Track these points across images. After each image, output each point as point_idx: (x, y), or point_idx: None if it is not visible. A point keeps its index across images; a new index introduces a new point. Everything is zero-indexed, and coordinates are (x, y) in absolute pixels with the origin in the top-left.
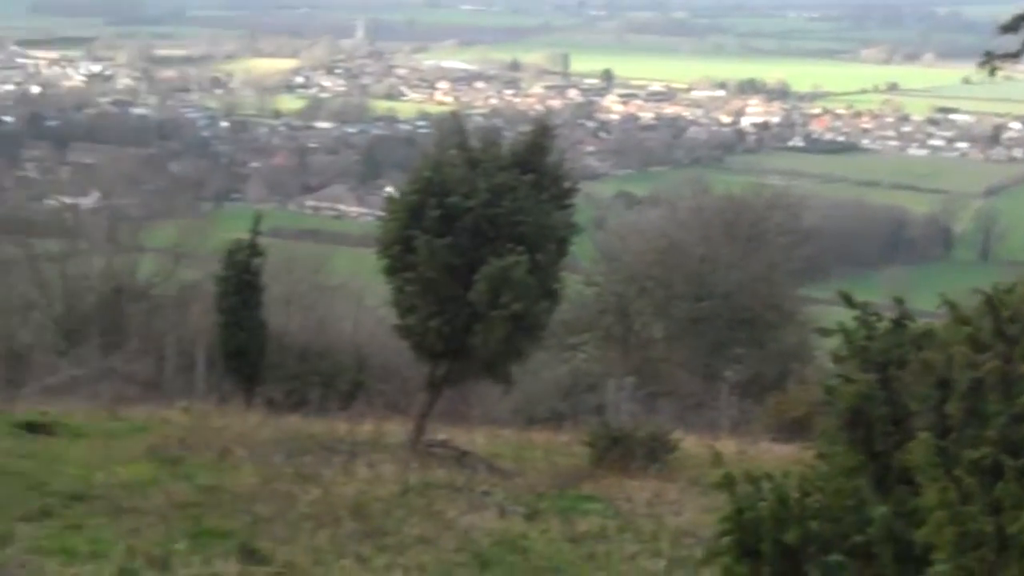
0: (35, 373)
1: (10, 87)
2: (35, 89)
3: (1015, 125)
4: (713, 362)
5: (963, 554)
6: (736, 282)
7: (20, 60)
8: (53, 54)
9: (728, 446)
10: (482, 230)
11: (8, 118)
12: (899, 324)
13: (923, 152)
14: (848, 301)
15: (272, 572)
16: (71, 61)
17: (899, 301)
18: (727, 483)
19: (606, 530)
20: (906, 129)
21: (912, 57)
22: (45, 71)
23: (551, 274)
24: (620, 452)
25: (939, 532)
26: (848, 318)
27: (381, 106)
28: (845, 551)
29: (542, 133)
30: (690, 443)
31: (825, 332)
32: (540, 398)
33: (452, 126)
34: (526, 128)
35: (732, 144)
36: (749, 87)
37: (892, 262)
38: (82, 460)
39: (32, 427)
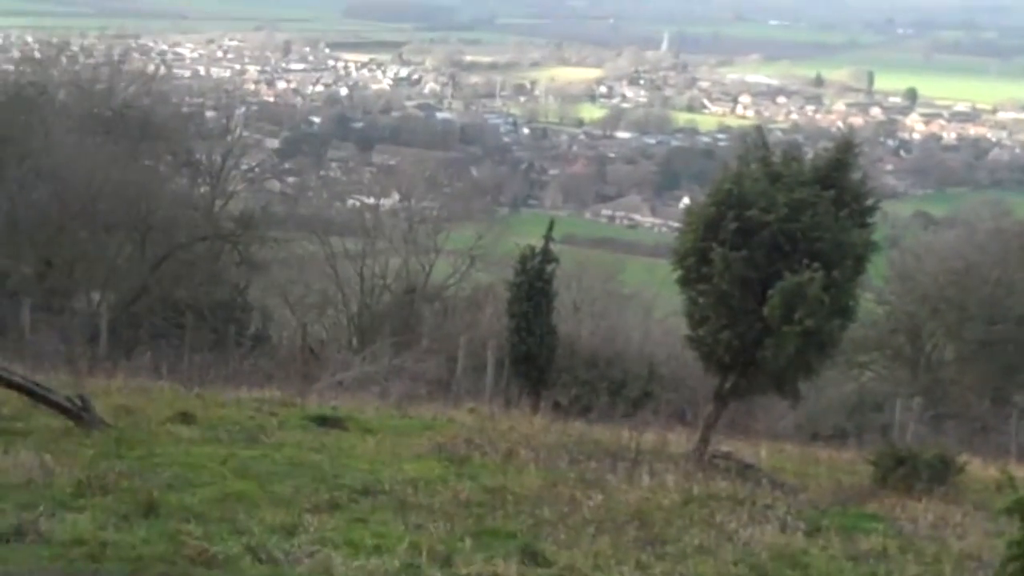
0: (329, 368)
1: (320, 88)
2: (343, 91)
3: None
4: (1004, 387)
5: None
6: None
7: (331, 62)
8: (363, 57)
9: (1017, 472)
10: (779, 245)
11: (316, 119)
12: None
13: None
14: None
15: (553, 574)
16: (380, 65)
17: None
18: (1018, 508)
19: (887, 550)
20: None
21: None
22: (354, 74)
23: (846, 291)
24: (905, 472)
25: None
26: None
27: (682, 118)
28: None
29: (845, 150)
30: (976, 467)
31: None
32: (825, 414)
33: (754, 140)
34: (828, 144)
35: None
36: None
37: None
38: (370, 455)
39: (323, 421)
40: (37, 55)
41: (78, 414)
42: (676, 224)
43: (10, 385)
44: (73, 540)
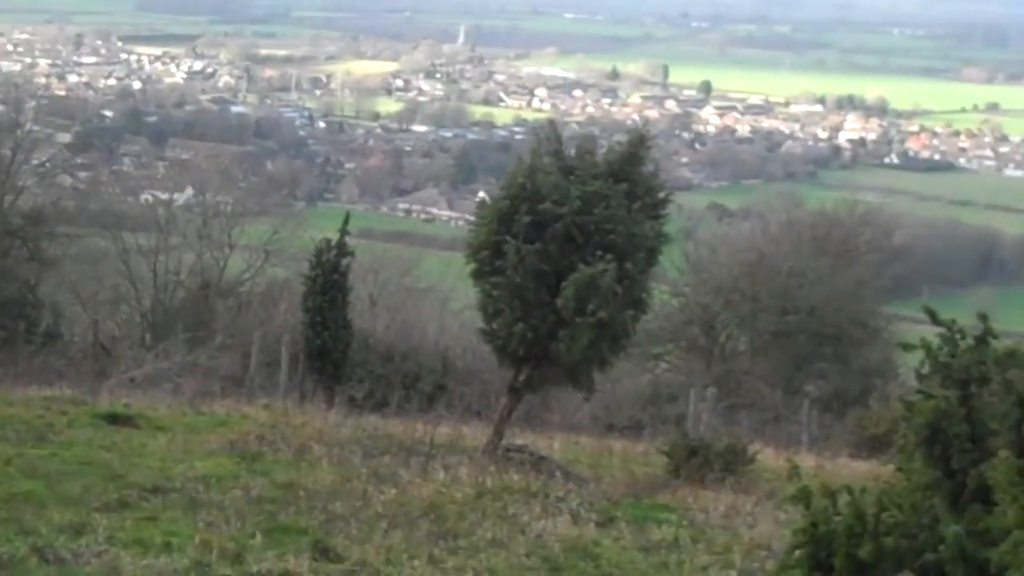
0: (121, 365)
1: (112, 82)
2: (136, 85)
3: None
4: (796, 376)
5: None
6: (823, 297)
7: (123, 56)
8: (156, 51)
9: (806, 461)
10: (572, 237)
11: (108, 113)
12: (983, 341)
13: (1020, 173)
14: (933, 318)
15: (345, 570)
16: (174, 58)
17: (984, 318)
18: (803, 496)
19: (679, 540)
20: (1004, 149)
21: (1015, 77)
22: (147, 67)
23: (639, 283)
24: (698, 463)
25: (1016, 552)
26: (933, 336)
27: (478, 111)
28: (918, 569)
29: (638, 143)
30: (768, 457)
31: (908, 347)
32: (620, 406)
33: (548, 133)
34: (622, 138)
35: (827, 159)
36: (848, 103)
37: (982, 282)
38: (162, 453)
39: (115, 419)
40: None
41: None
42: (472, 218)
43: None
44: None
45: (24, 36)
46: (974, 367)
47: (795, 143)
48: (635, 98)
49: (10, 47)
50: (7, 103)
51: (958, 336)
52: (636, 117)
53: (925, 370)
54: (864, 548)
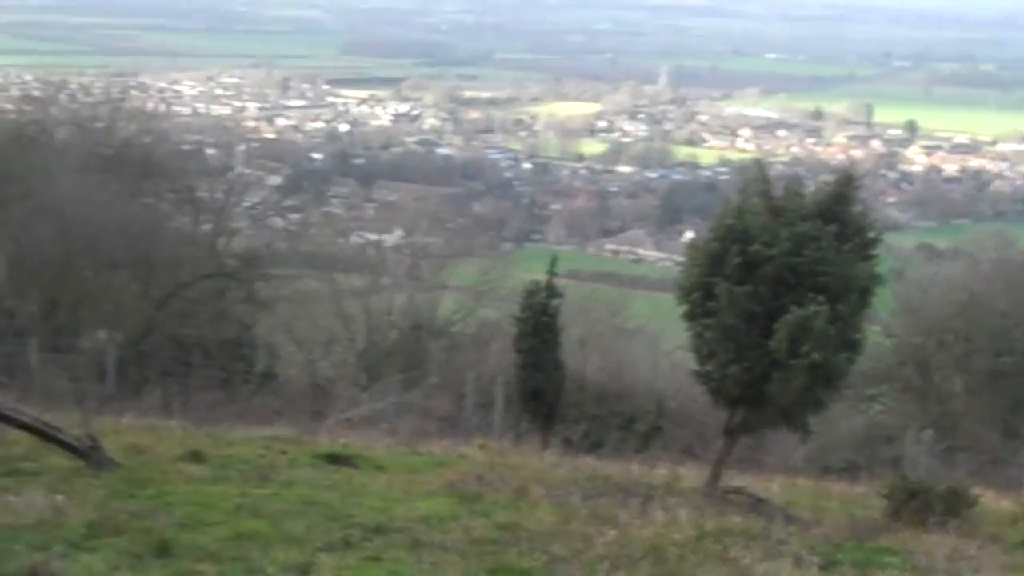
0: (337, 406)
1: (320, 125)
2: (343, 127)
3: None
4: (1013, 419)
5: None
6: None
7: (330, 99)
8: (362, 93)
9: None
10: (783, 279)
11: (317, 155)
12: None
13: None
14: None
15: None
16: (379, 101)
17: None
18: None
19: None
20: None
21: None
22: (354, 110)
23: (852, 325)
24: (918, 506)
25: None
26: None
27: (682, 152)
28: None
29: (846, 183)
30: (989, 499)
31: None
32: (836, 448)
33: (755, 174)
34: (829, 178)
35: None
36: None
37: None
38: (382, 493)
39: (334, 458)
40: (37, 94)
41: (88, 453)
42: (679, 258)
43: (20, 425)
44: None
45: (233, 80)
46: None
47: (1003, 182)
48: (839, 138)
49: (219, 91)
50: (219, 147)
51: None
52: (841, 157)
53: None
54: None
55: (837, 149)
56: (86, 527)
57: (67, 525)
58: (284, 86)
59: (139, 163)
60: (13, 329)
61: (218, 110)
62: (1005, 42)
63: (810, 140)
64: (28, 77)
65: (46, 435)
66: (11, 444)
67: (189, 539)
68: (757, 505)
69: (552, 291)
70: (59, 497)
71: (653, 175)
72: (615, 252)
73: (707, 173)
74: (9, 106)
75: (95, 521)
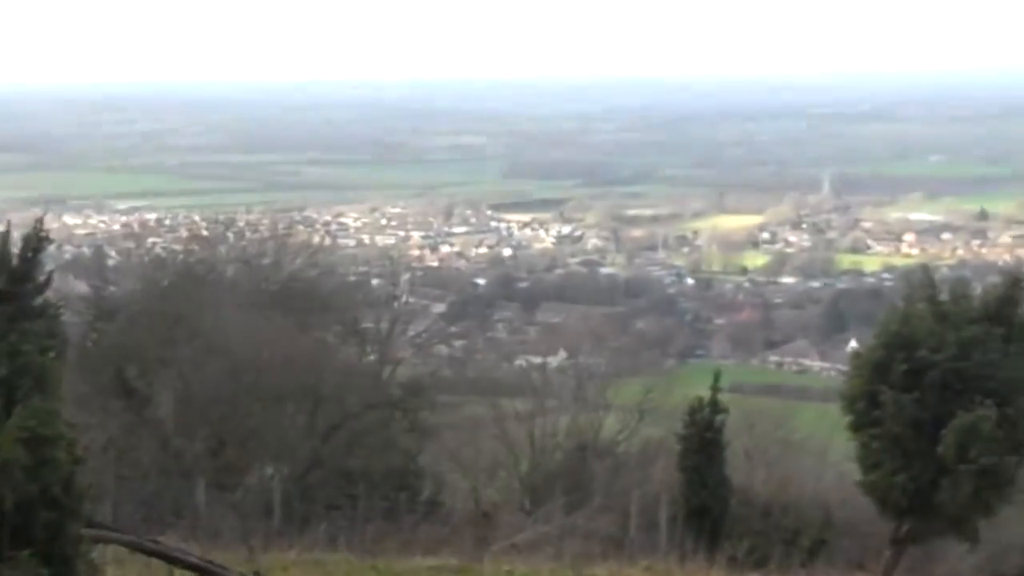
0: (502, 531)
1: (483, 250)
2: (507, 252)
3: None
4: None
5: None
6: None
7: (493, 223)
8: (525, 217)
9: None
10: (949, 384)
11: (481, 280)
12: None
13: None
14: None
15: None
16: (542, 223)
17: None
18: None
19: None
20: None
21: None
22: (517, 234)
23: (1021, 428)
24: None
25: None
26: None
27: (846, 260)
28: None
29: (1014, 284)
30: None
31: None
32: (1008, 553)
33: (920, 279)
34: (996, 279)
35: None
36: None
37: None
38: None
39: None
40: (205, 233)
41: None
42: (845, 368)
43: (187, 566)
44: None
45: (397, 210)
46: None
47: None
48: (1006, 238)
49: (384, 221)
50: (383, 276)
51: None
52: (1008, 257)
53: None
54: None
55: (1003, 249)
56: None
57: None
58: (448, 213)
59: (305, 297)
60: (181, 468)
61: (383, 240)
62: None
63: (976, 242)
64: (196, 217)
65: (213, 574)
66: None
67: None
68: None
69: (716, 407)
70: None
71: (817, 285)
72: (779, 364)
73: (871, 280)
74: (178, 246)
75: None
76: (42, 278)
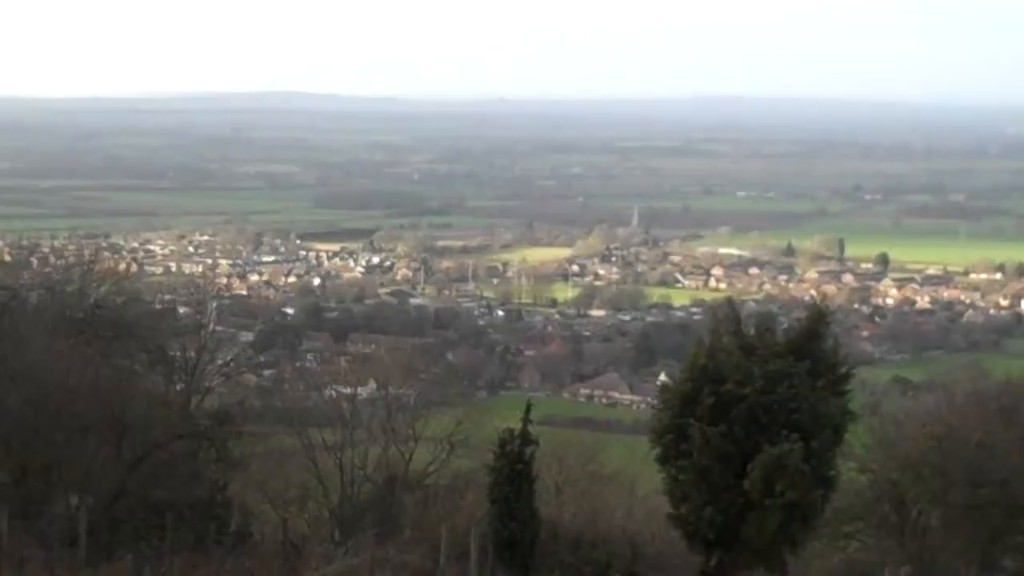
0: (311, 563)
1: (292, 279)
2: (316, 281)
3: None
4: (991, 551)
5: None
6: (1015, 469)
7: (303, 252)
8: (335, 246)
9: None
10: (756, 417)
11: (290, 310)
12: None
13: None
14: None
15: None
16: (351, 253)
17: None
18: None
19: None
20: None
21: None
22: (326, 263)
23: (826, 461)
24: None
25: None
26: None
27: (655, 293)
28: None
29: (818, 320)
30: None
31: None
32: None
33: (726, 313)
34: (801, 314)
35: (1010, 327)
36: None
37: None
38: None
39: None
40: (7, 258)
41: None
42: (654, 401)
43: None
44: None
45: (205, 238)
46: None
47: (976, 312)
48: (812, 273)
49: (191, 249)
50: (191, 304)
51: None
52: (814, 292)
53: None
54: None
55: (809, 285)
56: None
57: None
58: (256, 242)
59: (111, 325)
60: None
61: (190, 268)
62: (975, 172)
63: (783, 277)
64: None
65: None
66: None
67: None
68: None
69: (526, 439)
70: None
71: (626, 318)
72: (589, 396)
73: (680, 314)
74: None
75: None
76: None
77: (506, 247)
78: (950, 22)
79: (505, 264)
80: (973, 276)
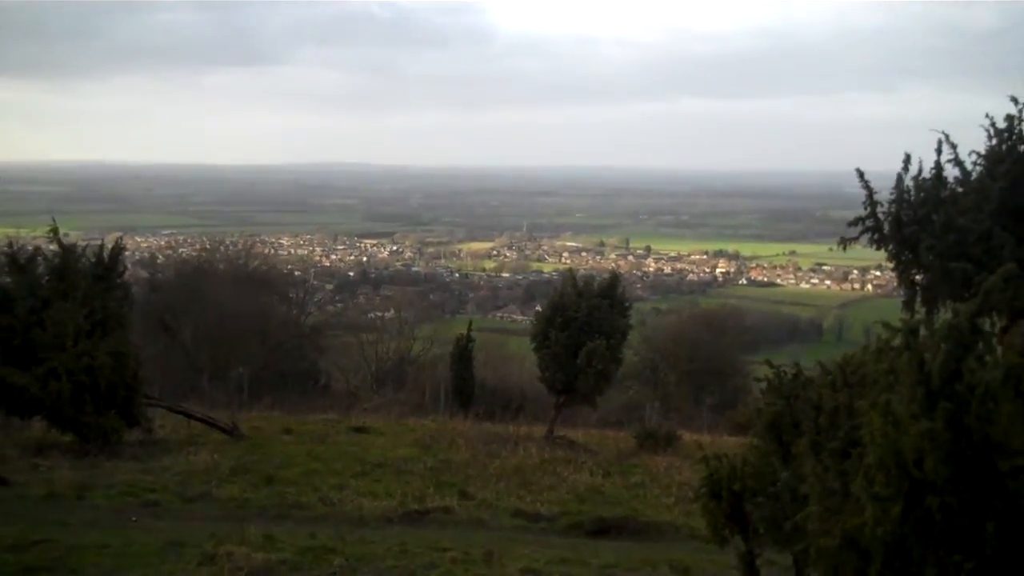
0: (360, 402)
1: (351, 257)
2: (364, 259)
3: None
4: (698, 394)
5: (824, 499)
6: (704, 353)
7: (358, 244)
8: (373, 241)
9: (706, 438)
10: (583, 328)
11: (351, 273)
12: (796, 375)
13: (807, 287)
14: (769, 364)
15: (476, 503)
16: (382, 244)
17: (796, 364)
18: (704, 459)
19: (644, 483)
20: (800, 273)
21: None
22: (369, 250)
23: (618, 350)
24: (652, 442)
25: (812, 486)
26: (769, 371)
27: (534, 265)
28: (765, 495)
29: (615, 279)
30: (687, 437)
31: (758, 380)
32: (611, 413)
33: (568, 276)
34: (606, 277)
35: (710, 283)
36: (719, 253)
37: (791, 343)
38: (382, 446)
39: (358, 429)
40: (208, 246)
41: (231, 432)
42: (533, 320)
43: (196, 418)
44: (230, 498)
45: (308, 237)
46: (792, 388)
47: (693, 275)
48: (612, 256)
49: (301, 242)
50: (300, 270)
51: (783, 373)
52: (613, 266)
53: (766, 390)
54: (735, 484)
55: (610, 262)
56: (230, 470)
57: (219, 469)
58: (333, 238)
59: (260, 280)
60: (194, 367)
61: (300, 252)
62: (695, 204)
63: (598, 257)
64: (203, 238)
65: (208, 422)
66: (192, 428)
67: (282, 475)
68: (571, 445)
69: (469, 338)
70: (215, 455)
71: (520, 278)
72: (502, 318)
73: (548, 276)
74: (193, 253)
75: (234, 467)
76: (121, 268)
77: (459, 242)
78: None
79: (459, 250)
80: (694, 257)
